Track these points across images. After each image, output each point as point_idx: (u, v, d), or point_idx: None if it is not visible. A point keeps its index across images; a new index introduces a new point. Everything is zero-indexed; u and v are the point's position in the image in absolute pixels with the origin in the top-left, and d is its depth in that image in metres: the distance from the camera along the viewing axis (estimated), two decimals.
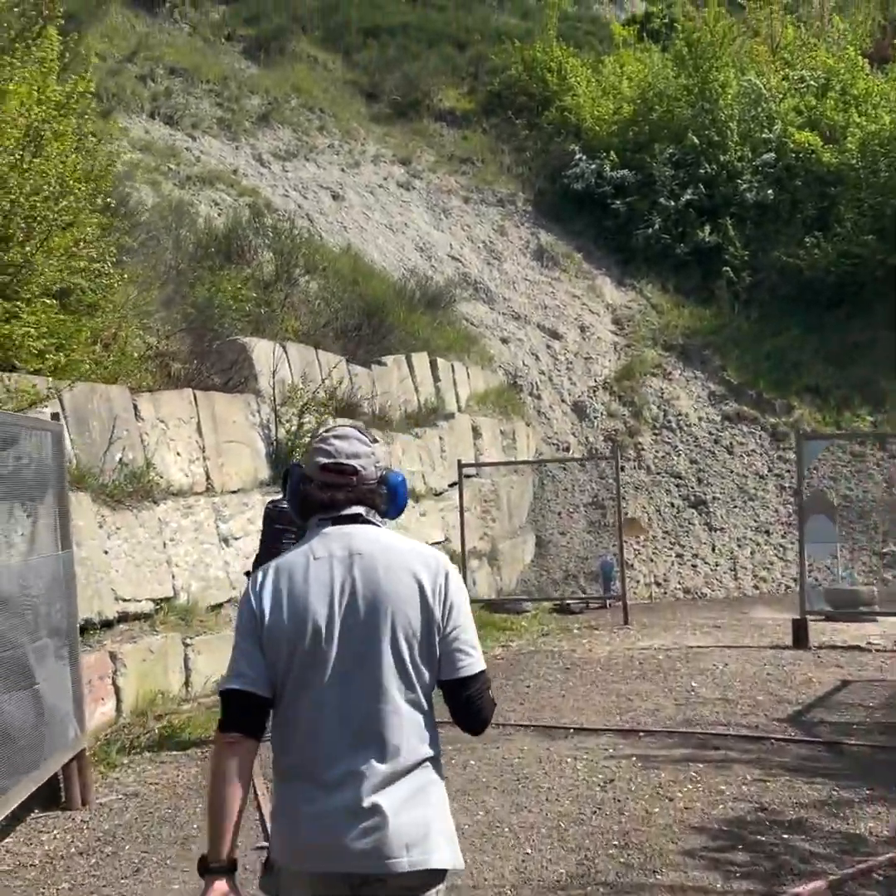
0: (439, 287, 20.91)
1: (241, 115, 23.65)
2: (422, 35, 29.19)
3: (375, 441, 3.05)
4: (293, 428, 12.61)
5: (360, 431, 2.99)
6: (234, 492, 11.92)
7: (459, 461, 15.26)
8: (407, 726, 2.69)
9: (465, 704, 2.76)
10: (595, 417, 21.70)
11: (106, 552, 9.75)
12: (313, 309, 16.67)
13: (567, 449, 21.05)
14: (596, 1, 37.74)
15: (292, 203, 21.71)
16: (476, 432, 18.29)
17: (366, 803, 2.61)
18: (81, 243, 9.31)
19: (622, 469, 20.62)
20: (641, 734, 8.24)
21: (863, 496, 20.06)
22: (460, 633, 2.76)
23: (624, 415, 21.69)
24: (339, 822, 2.61)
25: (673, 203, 24.14)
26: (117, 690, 9.22)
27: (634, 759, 7.58)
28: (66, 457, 6.99)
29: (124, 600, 9.85)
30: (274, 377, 12.76)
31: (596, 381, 22.26)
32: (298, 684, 2.70)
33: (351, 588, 2.73)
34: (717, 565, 19.23)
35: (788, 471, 20.76)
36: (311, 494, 2.88)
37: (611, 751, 7.83)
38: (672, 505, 20.35)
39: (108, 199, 11.50)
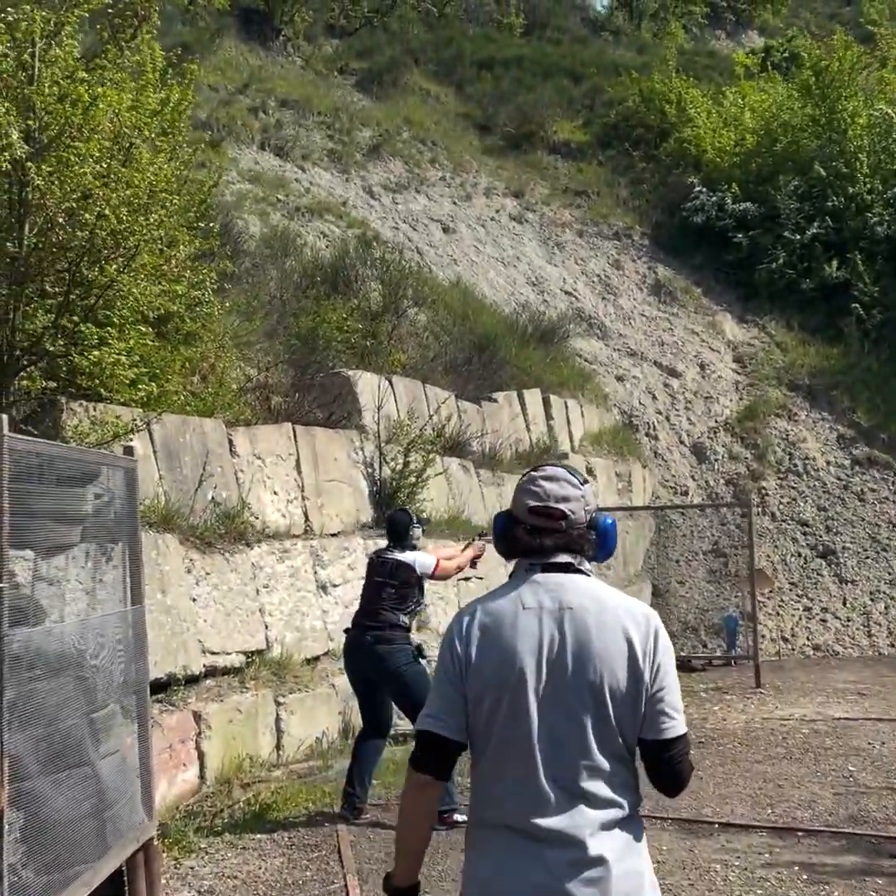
0: (552, 322, 19.79)
1: (351, 148, 22.93)
2: (536, 68, 28.30)
3: (586, 482, 2.89)
4: (399, 467, 11.56)
5: (569, 471, 2.89)
6: (334, 535, 10.89)
7: None
8: (612, 782, 2.66)
9: (666, 766, 2.72)
10: (715, 460, 20.29)
11: (193, 599, 8.76)
12: (422, 342, 15.68)
13: (685, 493, 19.69)
14: (713, 37, 36.62)
15: (402, 235, 20.84)
16: (590, 473, 17.04)
17: (591, 853, 2.60)
18: (173, 261, 8.36)
19: (743, 515, 19.23)
20: (800, 834, 6.92)
21: None
22: (666, 694, 2.71)
23: (747, 458, 20.25)
24: (562, 872, 2.59)
25: (798, 237, 22.69)
26: (201, 756, 8.20)
27: (796, 867, 6.28)
28: (138, 498, 5.97)
29: (212, 653, 8.84)
30: (379, 412, 11.74)
31: (716, 421, 20.86)
32: (503, 736, 2.69)
33: (560, 643, 2.69)
34: (848, 621, 17.65)
35: None
36: (520, 538, 2.80)
37: (767, 855, 6.53)
38: (799, 555, 18.83)
39: (211, 223, 10.69)
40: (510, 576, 2.85)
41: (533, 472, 2.89)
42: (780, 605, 17.93)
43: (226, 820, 7.45)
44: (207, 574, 8.96)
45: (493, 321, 18.09)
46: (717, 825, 7.07)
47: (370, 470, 11.52)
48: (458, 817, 6.75)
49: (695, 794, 7.86)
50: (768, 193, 23.19)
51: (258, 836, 7.11)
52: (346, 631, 7.88)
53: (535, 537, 2.78)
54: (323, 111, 23.61)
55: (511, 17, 31.58)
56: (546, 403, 16.71)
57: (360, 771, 7.57)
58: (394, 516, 8.16)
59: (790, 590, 18.28)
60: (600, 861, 2.60)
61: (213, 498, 9.41)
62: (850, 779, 8.30)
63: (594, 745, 2.65)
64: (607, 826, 2.64)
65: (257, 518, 9.84)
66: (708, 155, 24.39)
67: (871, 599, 18.02)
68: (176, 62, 9.93)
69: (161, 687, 8.00)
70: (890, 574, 18.36)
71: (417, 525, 7.97)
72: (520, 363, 17.06)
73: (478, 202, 23.31)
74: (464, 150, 24.92)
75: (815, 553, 18.84)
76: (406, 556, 7.69)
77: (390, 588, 7.61)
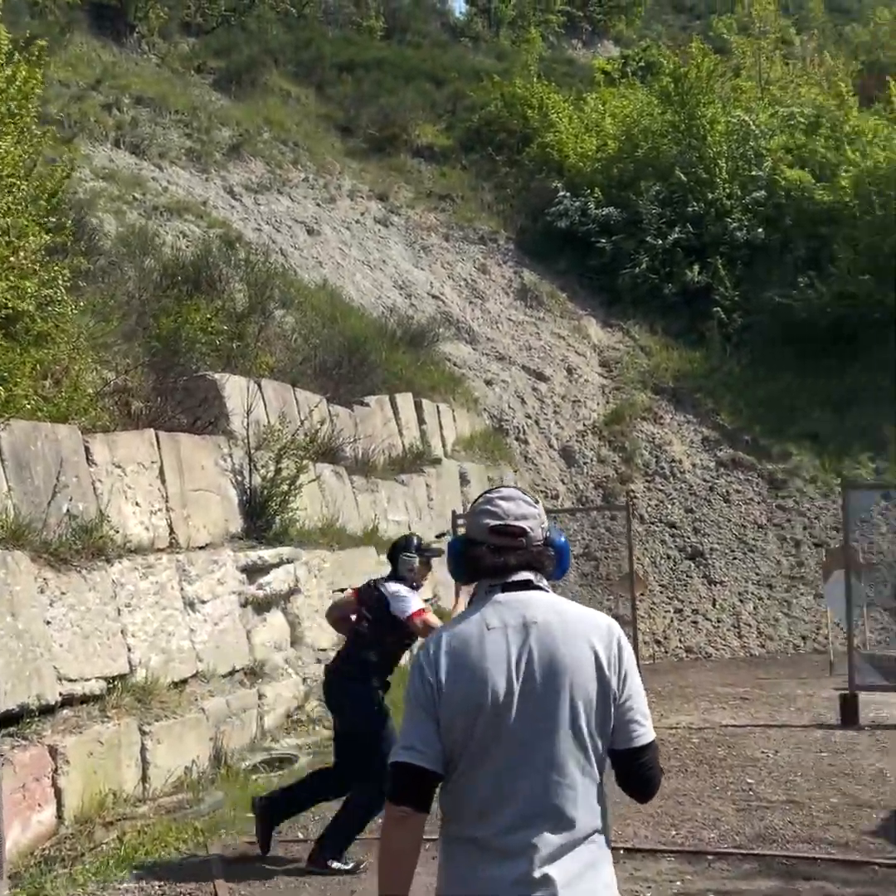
0: (421, 325, 19.26)
1: (211, 147, 22.03)
2: (397, 71, 27.78)
3: (537, 502, 2.91)
4: (270, 474, 10.83)
5: (523, 492, 2.91)
6: (201, 548, 10.10)
7: (453, 512, 13.51)
8: (581, 798, 2.64)
9: (638, 774, 2.72)
10: (584, 463, 20.04)
11: (48, 622, 7.89)
12: (290, 345, 14.96)
13: (556, 496, 19.36)
14: (570, 46, 36.69)
15: (265, 236, 20.05)
16: (464, 479, 16.57)
17: (536, 874, 2.56)
18: (22, 254, 7.52)
19: (613, 518, 19.02)
20: (711, 857, 6.48)
21: (867, 547, 18.51)
22: (633, 702, 2.71)
23: (615, 461, 20.06)
24: (505, 890, 2.56)
25: (660, 242, 22.66)
26: (58, 793, 7.34)
27: (711, 895, 5.82)
28: None
29: (69, 680, 7.97)
30: (248, 417, 10.99)
31: (584, 425, 20.62)
32: (476, 756, 2.66)
33: (528, 659, 2.67)
34: (719, 622, 17.55)
35: (789, 520, 19.21)
36: (482, 558, 2.79)
37: (678, 883, 6.06)
38: (668, 556, 18.69)
39: (64, 218, 9.85)
40: (470, 601, 2.83)
41: (489, 494, 2.90)
42: (651, 608, 17.74)
43: (87, 865, 6.65)
44: (63, 594, 8.11)
45: (362, 324, 17.48)
46: (623, 851, 6.57)
47: (240, 478, 10.77)
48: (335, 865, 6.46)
49: None
50: (630, 199, 23.12)
51: (125, 885, 6.34)
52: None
53: (498, 556, 2.76)
54: (180, 110, 22.66)
55: (371, 20, 31.03)
56: (418, 408, 16.16)
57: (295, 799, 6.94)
58: (395, 541, 7.29)
59: (661, 592, 18.11)
60: (547, 882, 2.56)
61: (68, 510, 8.55)
62: (750, 792, 7.93)
63: (566, 763, 2.63)
64: (566, 848, 2.59)
65: (118, 531, 8.99)
66: (570, 160, 24.23)
67: (740, 600, 17.96)
68: (24, 44, 9.08)
69: (12, 719, 7.15)
70: (757, 574, 18.35)
71: (413, 555, 6.87)
72: (390, 367, 16.48)
73: (342, 204, 22.65)
74: (326, 151, 24.23)
75: (683, 555, 18.73)
76: (388, 588, 6.74)
77: (366, 622, 6.76)
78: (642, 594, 17.86)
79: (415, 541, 7.06)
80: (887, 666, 12.25)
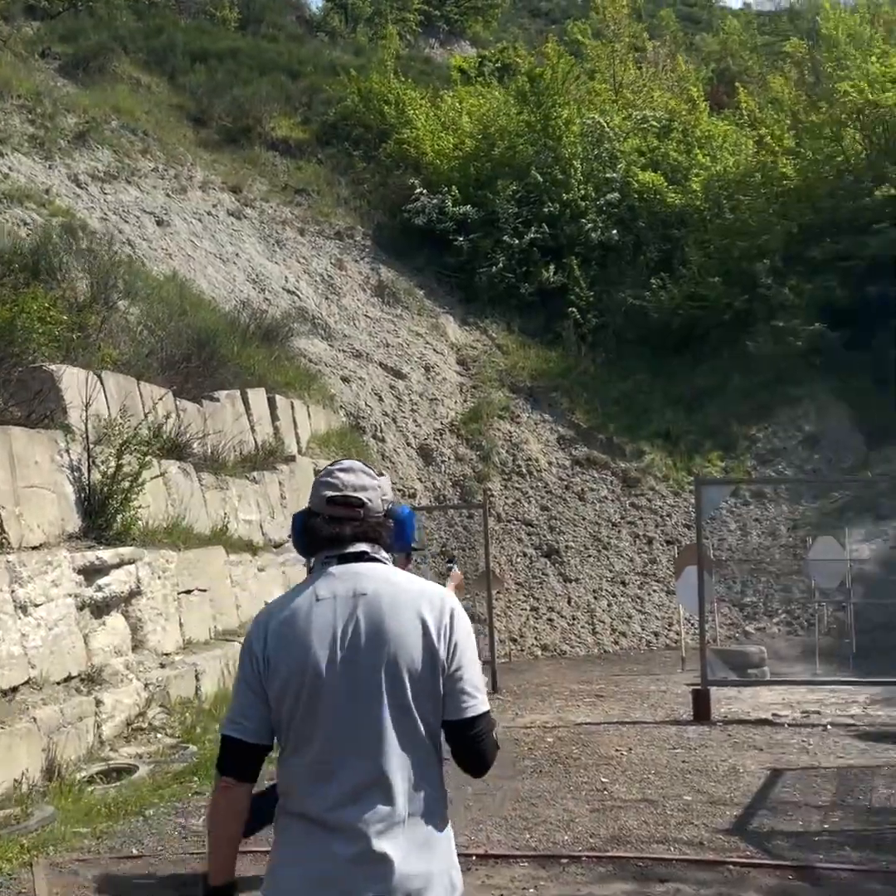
0: (275, 320, 18.76)
1: (55, 134, 21.09)
2: (252, 62, 27.18)
3: (381, 474, 2.89)
4: (110, 470, 10.26)
5: (365, 464, 2.88)
6: (35, 548, 9.49)
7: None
8: (413, 771, 2.60)
9: (469, 745, 2.66)
10: (442, 462, 19.83)
11: None
12: (135, 337, 14.31)
13: (413, 495, 19.10)
14: (427, 45, 36.56)
15: (112, 226, 19.26)
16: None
17: (371, 850, 2.53)
18: None
19: (470, 516, 18.88)
20: (564, 861, 6.26)
21: (717, 544, 18.77)
22: (464, 672, 2.67)
23: (472, 459, 19.90)
24: (343, 867, 2.53)
25: (517, 241, 22.62)
26: None
27: None
28: None
29: None
30: (87, 411, 10.39)
31: (442, 423, 20.41)
32: (301, 729, 2.64)
33: (353, 630, 2.65)
34: (574, 619, 17.53)
35: (641, 518, 19.34)
36: (319, 529, 2.76)
37: (531, 890, 5.82)
38: (524, 555, 18.62)
39: None
40: (308, 572, 2.83)
41: (330, 466, 2.86)
42: (508, 606, 17.62)
43: None
44: None
45: (214, 318, 16.91)
46: (475, 857, 6.31)
47: (77, 474, 10.16)
48: None
49: None
50: (487, 198, 23.02)
51: None
52: None
53: (334, 526, 2.73)
54: (23, 95, 21.64)
55: (225, 10, 30.31)
56: (271, 404, 15.69)
57: None
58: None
59: (517, 590, 18.01)
60: (384, 859, 2.52)
61: None
62: (605, 792, 7.75)
63: (393, 735, 2.60)
64: (398, 822, 2.56)
65: None
66: (428, 157, 24.01)
67: (595, 597, 17.98)
68: None
69: None
70: (611, 572, 18.41)
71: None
72: (243, 362, 15.96)
73: (194, 196, 21.97)
74: (178, 142, 23.50)
75: (539, 552, 18.68)
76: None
77: None
78: (499, 592, 17.73)
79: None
80: (737, 660, 12.32)
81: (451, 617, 2.68)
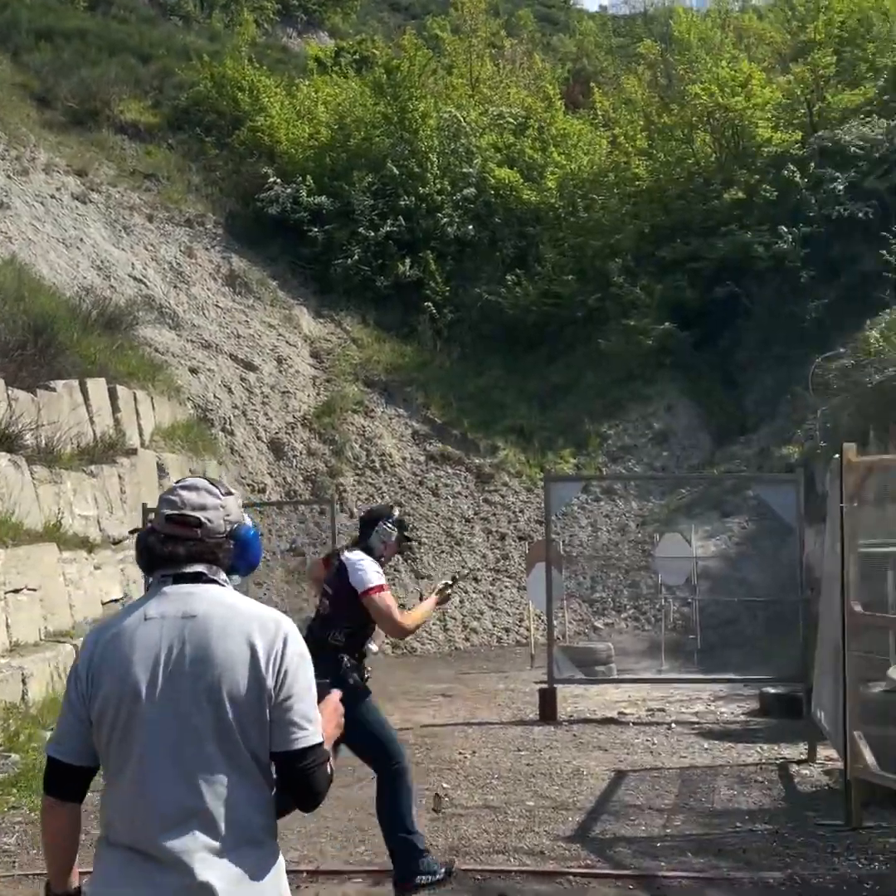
0: (119, 308, 18.00)
1: None
2: (101, 43, 26.10)
3: (229, 493, 2.80)
4: None
5: (212, 483, 2.80)
6: None
7: (144, 505, 12.51)
8: (237, 801, 2.50)
9: (298, 778, 2.56)
10: (293, 456, 19.35)
11: None
12: None
13: (263, 490, 18.60)
14: (284, 34, 35.86)
15: None
16: (162, 471, 15.52)
17: (198, 880, 2.43)
18: None
19: (321, 512, 18.44)
20: None
21: (569, 540, 18.77)
22: (295, 703, 2.56)
23: (324, 454, 19.47)
24: None
25: (373, 234, 22.26)
26: None
27: None
28: None
29: None
30: None
31: (294, 417, 19.93)
32: (119, 753, 2.55)
33: (178, 652, 2.55)
34: None
35: (495, 514, 19.20)
36: (153, 547, 2.69)
37: None
38: None
39: None
40: (146, 590, 2.75)
41: (176, 484, 2.82)
42: None
43: None
44: None
45: (53, 304, 16.08)
46: (305, 874, 5.94)
47: None
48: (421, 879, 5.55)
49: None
50: (343, 189, 22.60)
51: None
52: None
53: (167, 545, 2.67)
54: None
55: None
56: (112, 394, 15.00)
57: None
58: (373, 507, 6.26)
59: None
60: (207, 889, 2.43)
61: None
62: (446, 798, 7.47)
63: (215, 760, 2.50)
64: (223, 851, 2.47)
65: None
66: (282, 146, 23.44)
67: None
68: None
69: None
70: (464, 567, 18.20)
71: (393, 528, 5.83)
72: (83, 351, 15.22)
73: (36, 178, 20.96)
74: (20, 122, 22.39)
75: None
76: (350, 556, 5.64)
77: (326, 598, 5.65)
78: None
79: (396, 513, 6.02)
80: (585, 658, 12.22)
81: (284, 643, 2.59)
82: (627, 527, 18.83)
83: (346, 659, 5.54)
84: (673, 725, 9.80)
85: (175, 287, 20.85)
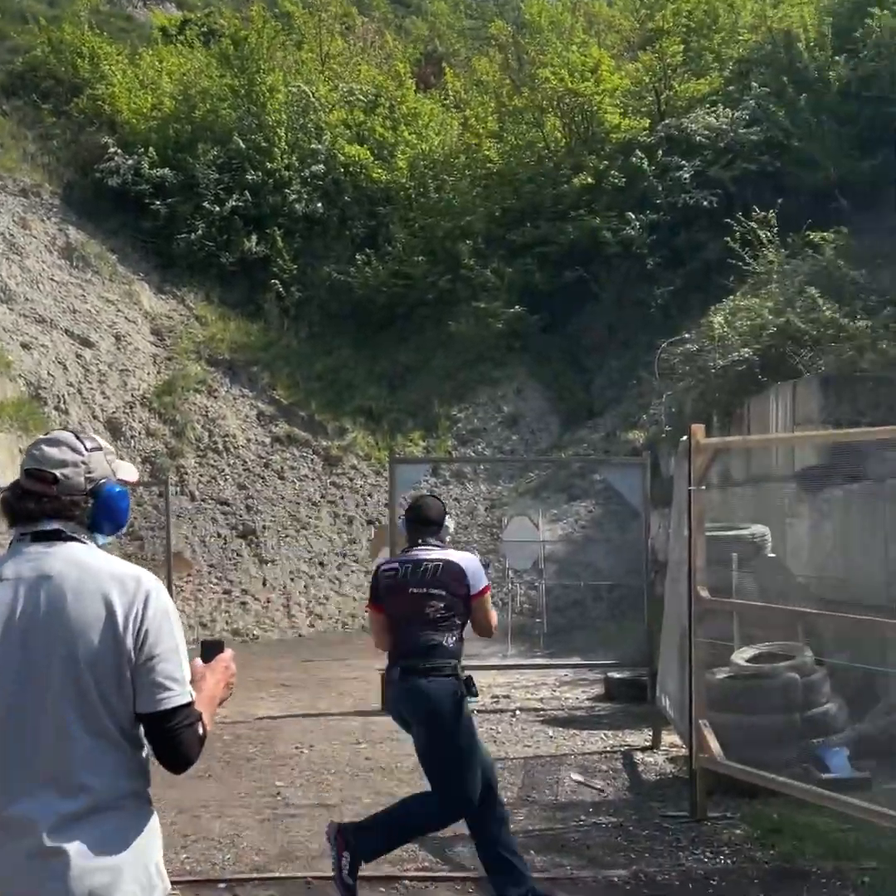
0: None
1: None
2: None
3: (98, 448, 2.68)
4: None
5: (77, 437, 2.68)
6: None
7: None
8: (99, 764, 2.42)
9: (165, 740, 2.48)
10: (132, 437, 18.48)
11: None
12: None
13: None
14: (130, 3, 34.46)
15: None
16: None
17: (47, 845, 2.34)
18: None
19: (160, 495, 17.66)
20: (222, 885, 5.45)
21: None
22: (158, 663, 2.47)
23: (164, 434, 18.66)
24: (17, 865, 2.34)
25: (218, 208, 21.44)
26: None
27: None
28: None
29: None
30: None
31: (133, 396, 19.04)
32: None
33: (31, 613, 2.46)
34: (268, 602, 16.69)
35: (342, 497, 18.73)
36: (9, 502, 2.62)
37: None
38: (219, 535, 17.60)
39: None
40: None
41: (39, 437, 2.73)
42: (198, 589, 16.57)
43: None
44: None
45: None
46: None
47: None
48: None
49: None
50: (187, 161, 21.71)
51: None
52: (388, 679, 5.30)
53: (24, 501, 2.59)
54: None
55: None
56: None
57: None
58: (425, 502, 5.43)
59: (209, 572, 16.99)
60: (58, 853, 2.34)
61: None
62: (279, 797, 6.98)
63: (73, 724, 2.41)
64: (79, 815, 2.38)
65: None
66: (123, 116, 22.37)
67: (291, 579, 17.22)
68: None
69: None
70: (309, 552, 17.70)
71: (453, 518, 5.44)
72: None
73: None
74: None
75: (235, 533, 17.73)
76: (452, 555, 5.14)
77: (436, 600, 5.01)
78: (189, 575, 16.70)
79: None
80: None
81: (145, 602, 2.49)
82: (476, 510, 18.59)
83: (464, 675, 5.04)
84: (518, 712, 9.51)
85: (7, 258, 19.66)
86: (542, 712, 9.69)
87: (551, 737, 8.64)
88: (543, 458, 18.67)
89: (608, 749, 8.26)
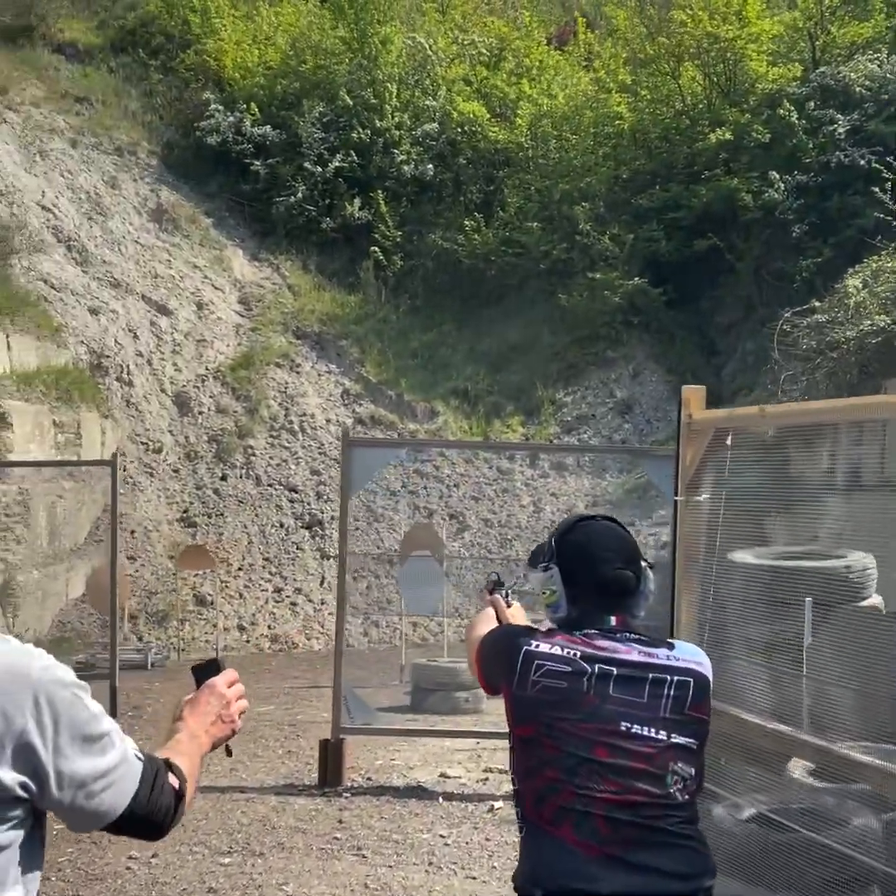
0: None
1: None
2: None
3: None
4: None
5: None
6: None
7: None
8: None
9: (133, 828, 1.94)
10: (200, 413, 16.34)
11: None
12: None
13: (159, 450, 15.64)
14: None
15: None
16: (3, 421, 12.60)
17: None
18: None
19: (223, 478, 15.49)
20: None
21: (506, 520, 15.69)
22: (77, 783, 1.83)
23: (236, 411, 16.44)
24: None
25: (320, 169, 19.07)
26: None
27: None
28: None
29: None
30: None
31: (208, 369, 16.90)
32: None
33: None
34: (323, 604, 14.24)
35: (425, 487, 16.13)
36: None
37: None
38: (281, 525, 15.27)
39: None
40: None
41: None
42: (245, 586, 14.27)
43: None
44: None
45: None
46: None
47: None
48: None
49: None
50: (292, 119, 19.40)
51: None
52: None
53: None
54: None
55: None
56: None
57: None
58: (611, 535, 2.61)
59: (263, 567, 14.67)
60: None
61: None
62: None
63: None
64: None
65: None
66: (229, 71, 20.25)
67: (353, 579, 14.70)
68: None
69: None
70: (379, 548, 15.16)
71: None
72: None
73: None
74: None
75: (299, 523, 15.36)
76: (692, 655, 2.53)
77: (681, 749, 2.40)
78: (240, 569, 14.46)
79: None
80: (444, 680, 9.11)
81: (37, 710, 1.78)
82: (576, 508, 15.69)
83: None
84: (500, 804, 6.59)
85: (89, 218, 17.82)
86: None
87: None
88: (653, 449, 15.52)
89: None
